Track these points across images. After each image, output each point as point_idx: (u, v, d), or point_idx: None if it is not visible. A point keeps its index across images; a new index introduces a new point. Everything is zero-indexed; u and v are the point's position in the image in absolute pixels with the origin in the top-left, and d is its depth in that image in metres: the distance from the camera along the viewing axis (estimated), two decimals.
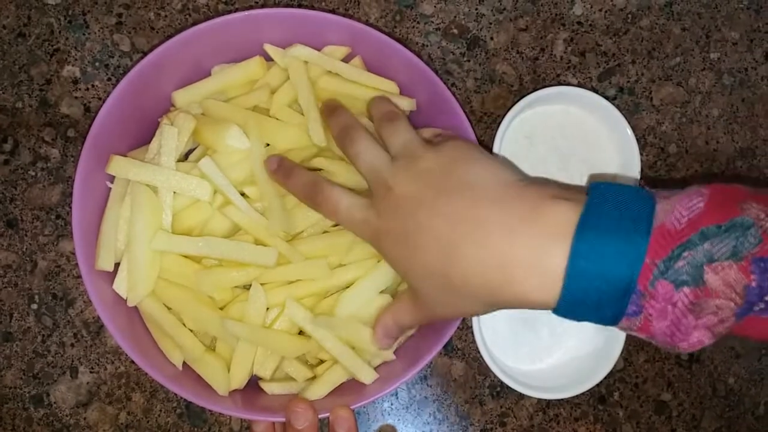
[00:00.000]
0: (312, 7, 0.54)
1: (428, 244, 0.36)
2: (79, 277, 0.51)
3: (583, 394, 0.52)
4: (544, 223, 0.33)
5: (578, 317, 0.33)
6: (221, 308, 0.44)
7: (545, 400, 0.53)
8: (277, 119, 0.46)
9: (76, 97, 0.53)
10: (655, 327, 0.31)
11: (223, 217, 0.43)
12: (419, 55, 0.50)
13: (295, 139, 0.45)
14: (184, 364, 0.44)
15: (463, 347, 0.53)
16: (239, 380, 0.43)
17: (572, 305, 0.32)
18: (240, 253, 0.42)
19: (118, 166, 0.42)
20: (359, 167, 0.41)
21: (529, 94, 0.49)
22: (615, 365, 0.49)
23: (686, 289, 0.30)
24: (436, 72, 0.49)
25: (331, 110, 0.45)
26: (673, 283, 0.30)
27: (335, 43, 0.47)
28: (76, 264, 0.50)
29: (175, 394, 0.51)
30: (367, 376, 0.43)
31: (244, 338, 0.43)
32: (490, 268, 0.34)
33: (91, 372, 0.51)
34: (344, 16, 0.45)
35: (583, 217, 0.32)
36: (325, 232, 0.45)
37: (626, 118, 0.49)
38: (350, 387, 0.45)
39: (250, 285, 0.43)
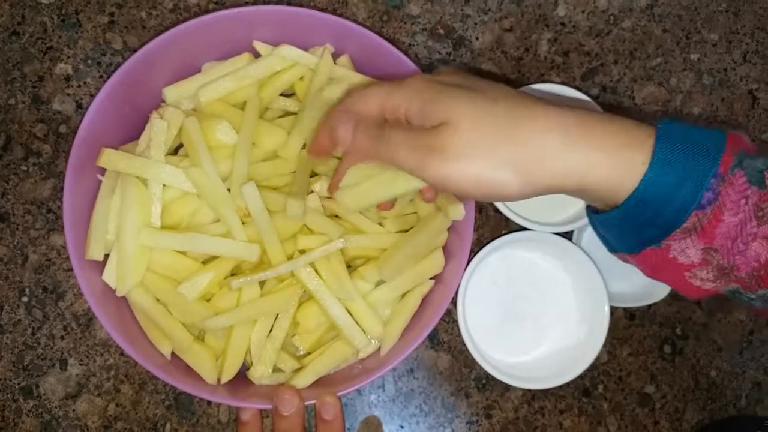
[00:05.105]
0: (301, 6, 0.55)
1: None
2: (70, 270, 0.51)
3: (567, 386, 0.53)
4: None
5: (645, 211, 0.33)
6: (208, 300, 0.44)
7: (530, 393, 0.53)
8: (266, 121, 0.47)
9: (68, 94, 0.54)
10: (724, 222, 0.33)
11: (209, 209, 0.44)
12: (407, 54, 0.51)
13: (280, 141, 0.46)
14: (173, 353, 0.44)
15: (449, 340, 0.54)
16: (232, 370, 0.44)
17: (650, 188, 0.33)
18: (223, 249, 0.43)
19: (109, 158, 0.43)
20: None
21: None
22: (599, 358, 0.49)
23: (754, 188, 0.32)
24: (423, 71, 0.50)
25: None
26: (746, 176, 0.32)
27: (323, 42, 0.48)
28: (67, 257, 0.51)
29: (164, 386, 0.51)
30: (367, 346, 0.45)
31: (235, 322, 0.43)
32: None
33: (80, 364, 0.51)
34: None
35: (660, 133, 0.33)
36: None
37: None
38: (336, 377, 0.45)
39: (234, 274, 0.44)
